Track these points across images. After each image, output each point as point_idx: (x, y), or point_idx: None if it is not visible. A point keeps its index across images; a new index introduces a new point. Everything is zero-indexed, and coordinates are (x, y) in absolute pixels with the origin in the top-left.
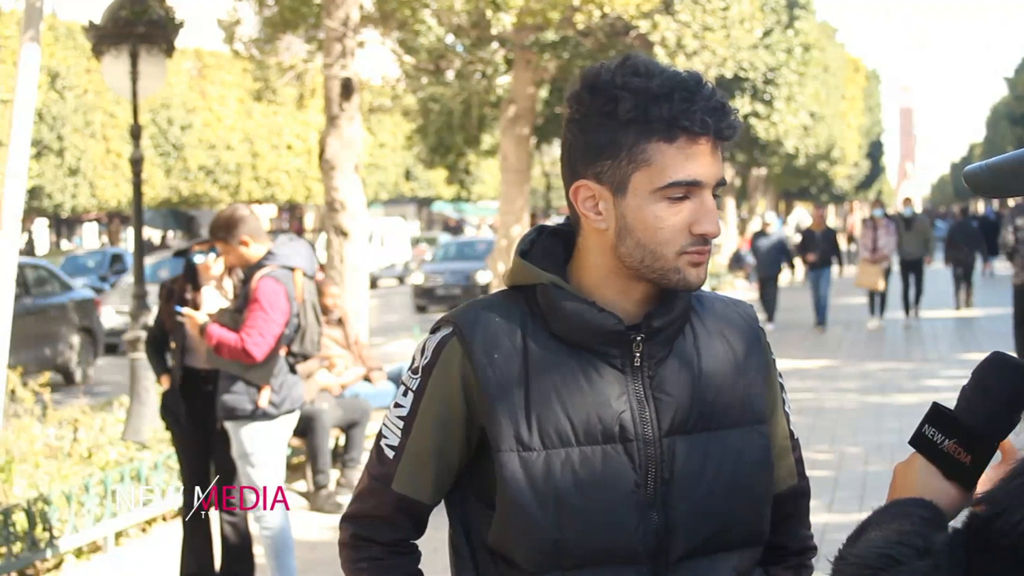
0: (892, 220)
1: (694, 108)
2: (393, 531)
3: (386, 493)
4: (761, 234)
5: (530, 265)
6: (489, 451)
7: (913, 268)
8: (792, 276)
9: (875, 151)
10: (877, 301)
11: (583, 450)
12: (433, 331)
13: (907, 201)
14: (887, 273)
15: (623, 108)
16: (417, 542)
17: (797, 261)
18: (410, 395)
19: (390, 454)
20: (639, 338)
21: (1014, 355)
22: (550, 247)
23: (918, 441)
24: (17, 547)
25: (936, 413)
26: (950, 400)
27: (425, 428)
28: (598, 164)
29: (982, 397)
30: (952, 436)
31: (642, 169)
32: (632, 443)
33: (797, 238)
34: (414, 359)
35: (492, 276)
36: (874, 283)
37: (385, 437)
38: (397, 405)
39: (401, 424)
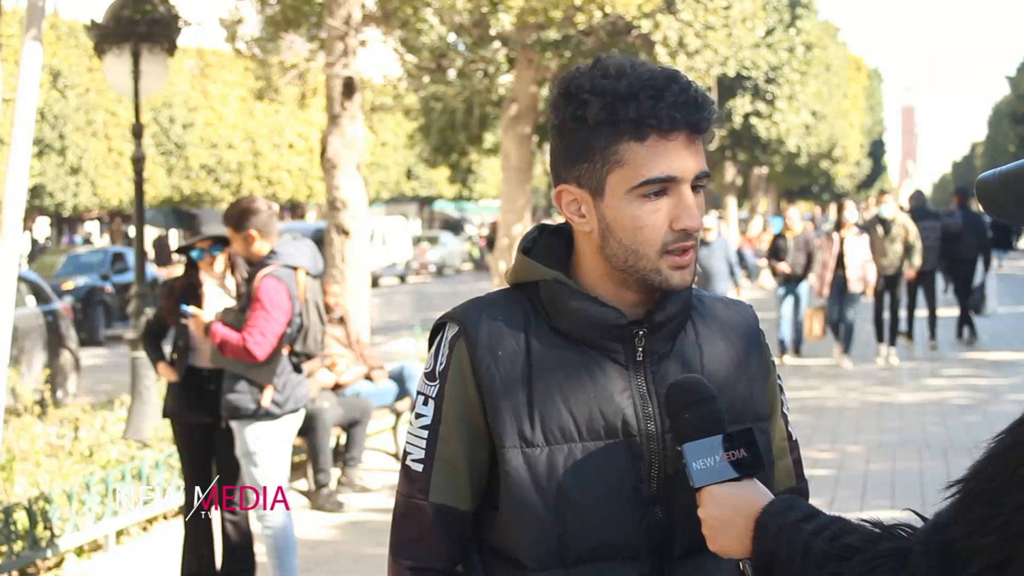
0: (864, 229)
1: (661, 105)
2: (441, 556)
3: (424, 509)
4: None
5: (533, 262)
6: (494, 449)
7: (889, 287)
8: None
9: (877, 150)
10: (842, 331)
11: (586, 445)
12: (435, 329)
13: (881, 197)
14: (824, 314)
15: (591, 112)
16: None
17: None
18: (431, 403)
19: (419, 468)
20: (641, 332)
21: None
22: (552, 245)
23: (704, 477)
24: (18, 546)
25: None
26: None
27: (452, 432)
28: (576, 168)
29: (695, 410)
30: (726, 447)
31: (616, 170)
32: (635, 438)
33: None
34: (428, 364)
35: (498, 275)
36: (816, 330)
37: (410, 454)
38: (418, 415)
39: (426, 433)
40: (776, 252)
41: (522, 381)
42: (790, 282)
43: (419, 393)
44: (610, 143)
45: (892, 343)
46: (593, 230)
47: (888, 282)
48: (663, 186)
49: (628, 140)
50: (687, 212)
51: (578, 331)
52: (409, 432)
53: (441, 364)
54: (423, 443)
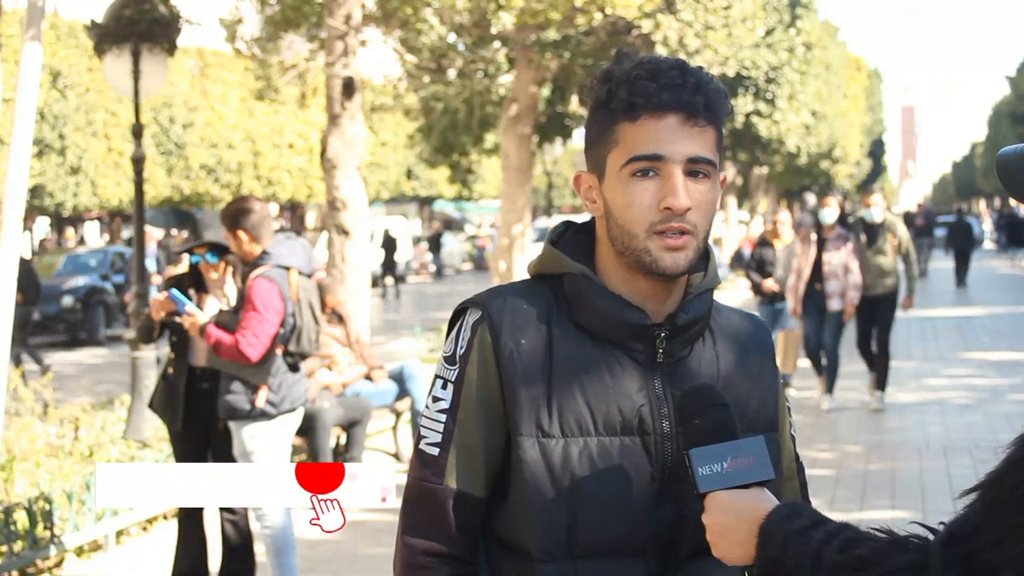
0: (850, 229)
1: (652, 86)
2: (453, 541)
3: (438, 493)
4: None
5: (560, 254)
6: (508, 437)
7: (877, 311)
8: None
9: (877, 150)
10: (822, 362)
11: (601, 440)
12: (457, 314)
13: (866, 198)
14: (796, 347)
15: (597, 96)
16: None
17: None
18: (450, 387)
19: (434, 452)
20: (662, 334)
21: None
22: (579, 240)
23: (709, 483)
24: (18, 545)
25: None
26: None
27: (470, 417)
28: (590, 154)
29: (705, 417)
30: (725, 457)
31: (613, 150)
32: (649, 436)
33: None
34: (448, 348)
35: (493, 275)
36: (787, 362)
37: (425, 437)
38: (436, 399)
39: (443, 417)
40: (761, 264)
41: (543, 371)
42: (774, 301)
43: (437, 377)
44: (610, 124)
45: (881, 386)
46: (601, 214)
47: (872, 305)
48: (651, 165)
49: (623, 120)
50: (672, 192)
51: (600, 327)
52: (425, 415)
53: (462, 348)
54: (440, 427)
